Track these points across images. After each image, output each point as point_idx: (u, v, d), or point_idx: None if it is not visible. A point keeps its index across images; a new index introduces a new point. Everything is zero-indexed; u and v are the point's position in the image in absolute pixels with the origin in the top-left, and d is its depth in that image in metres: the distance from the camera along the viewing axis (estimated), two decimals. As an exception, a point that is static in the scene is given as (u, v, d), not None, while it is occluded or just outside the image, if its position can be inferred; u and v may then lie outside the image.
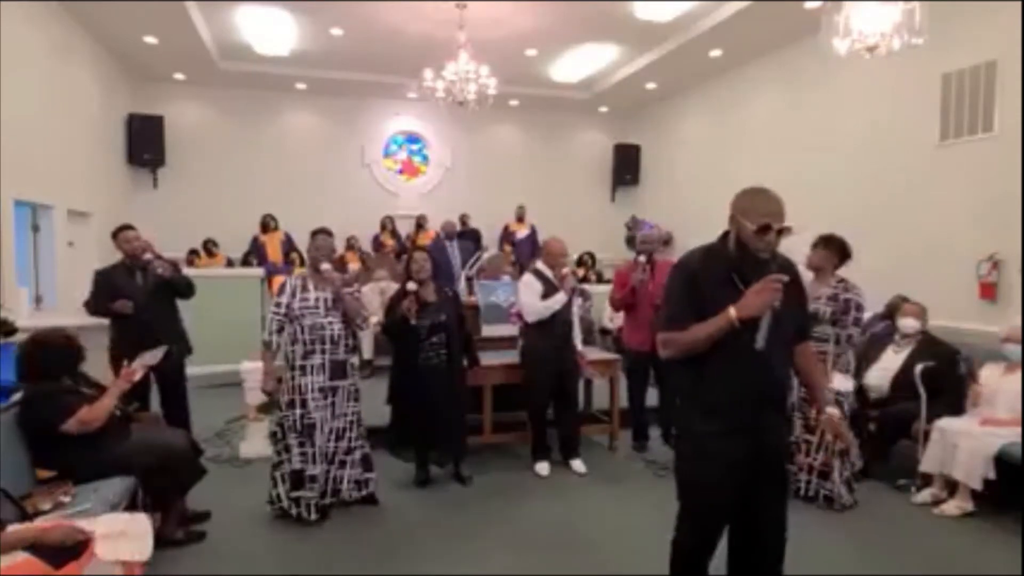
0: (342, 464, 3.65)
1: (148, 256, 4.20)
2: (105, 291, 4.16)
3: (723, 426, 2.04)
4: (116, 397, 3.08)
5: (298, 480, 3.49)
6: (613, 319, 6.84)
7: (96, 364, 3.67)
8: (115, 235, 4.25)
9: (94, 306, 4.22)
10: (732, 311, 1.93)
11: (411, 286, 3.80)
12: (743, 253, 2.03)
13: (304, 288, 3.55)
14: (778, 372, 2.10)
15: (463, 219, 10.05)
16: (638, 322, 4.58)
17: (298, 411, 3.49)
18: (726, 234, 2.11)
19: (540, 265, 4.37)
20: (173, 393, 4.37)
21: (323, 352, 3.52)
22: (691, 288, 2.07)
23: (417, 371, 3.87)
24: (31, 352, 3.03)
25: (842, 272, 3.78)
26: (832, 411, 2.25)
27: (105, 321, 4.25)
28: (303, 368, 3.49)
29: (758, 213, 1.98)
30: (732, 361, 1.99)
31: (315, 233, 3.71)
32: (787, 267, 2.11)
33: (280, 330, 3.53)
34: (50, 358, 3.01)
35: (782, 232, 1.98)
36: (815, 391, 2.32)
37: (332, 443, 3.61)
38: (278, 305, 3.51)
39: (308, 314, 3.49)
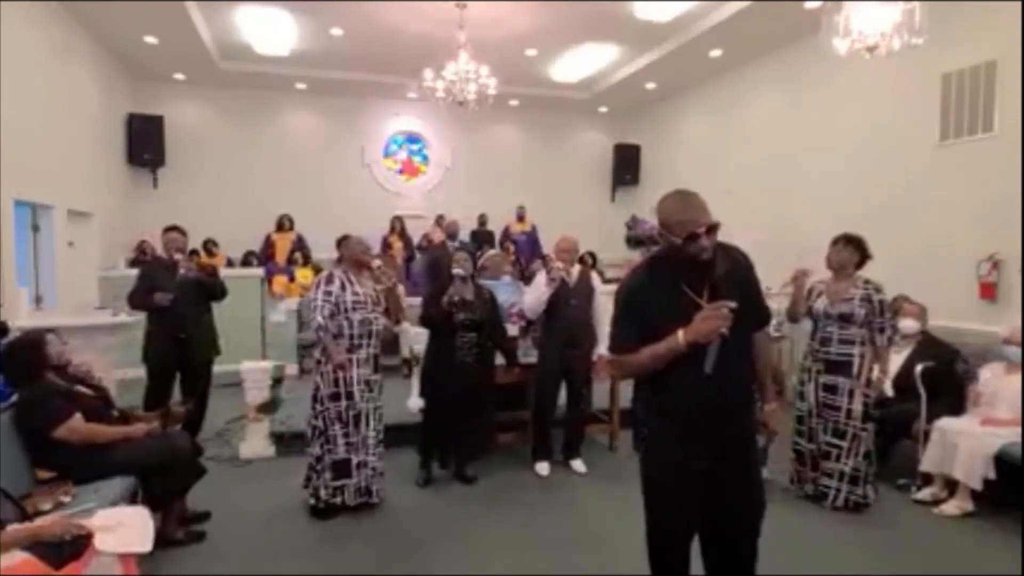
0: (376, 454, 3.74)
1: (178, 257, 4.42)
2: (148, 286, 4.37)
3: (683, 431, 2.04)
4: (124, 436, 3.08)
5: (343, 469, 3.57)
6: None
7: (95, 364, 3.68)
8: (164, 232, 4.54)
9: (136, 300, 4.42)
10: (680, 335, 1.91)
11: (457, 271, 4.01)
12: (685, 257, 1.96)
13: (351, 283, 3.59)
14: (735, 383, 2.05)
15: (481, 219, 10.12)
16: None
17: (344, 403, 3.57)
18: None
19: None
20: (194, 390, 4.50)
21: (368, 346, 3.62)
22: (634, 309, 2.07)
23: (450, 366, 3.96)
24: (9, 356, 3.07)
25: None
26: (771, 406, 2.29)
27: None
28: (348, 361, 3.54)
29: (679, 224, 1.93)
30: (687, 378, 1.97)
31: (342, 240, 3.76)
32: (733, 260, 2.08)
33: (330, 318, 3.53)
34: (26, 359, 3.03)
35: (711, 231, 1.92)
36: (760, 387, 2.27)
37: (380, 433, 3.73)
38: (328, 294, 3.52)
39: (359, 309, 3.56)
